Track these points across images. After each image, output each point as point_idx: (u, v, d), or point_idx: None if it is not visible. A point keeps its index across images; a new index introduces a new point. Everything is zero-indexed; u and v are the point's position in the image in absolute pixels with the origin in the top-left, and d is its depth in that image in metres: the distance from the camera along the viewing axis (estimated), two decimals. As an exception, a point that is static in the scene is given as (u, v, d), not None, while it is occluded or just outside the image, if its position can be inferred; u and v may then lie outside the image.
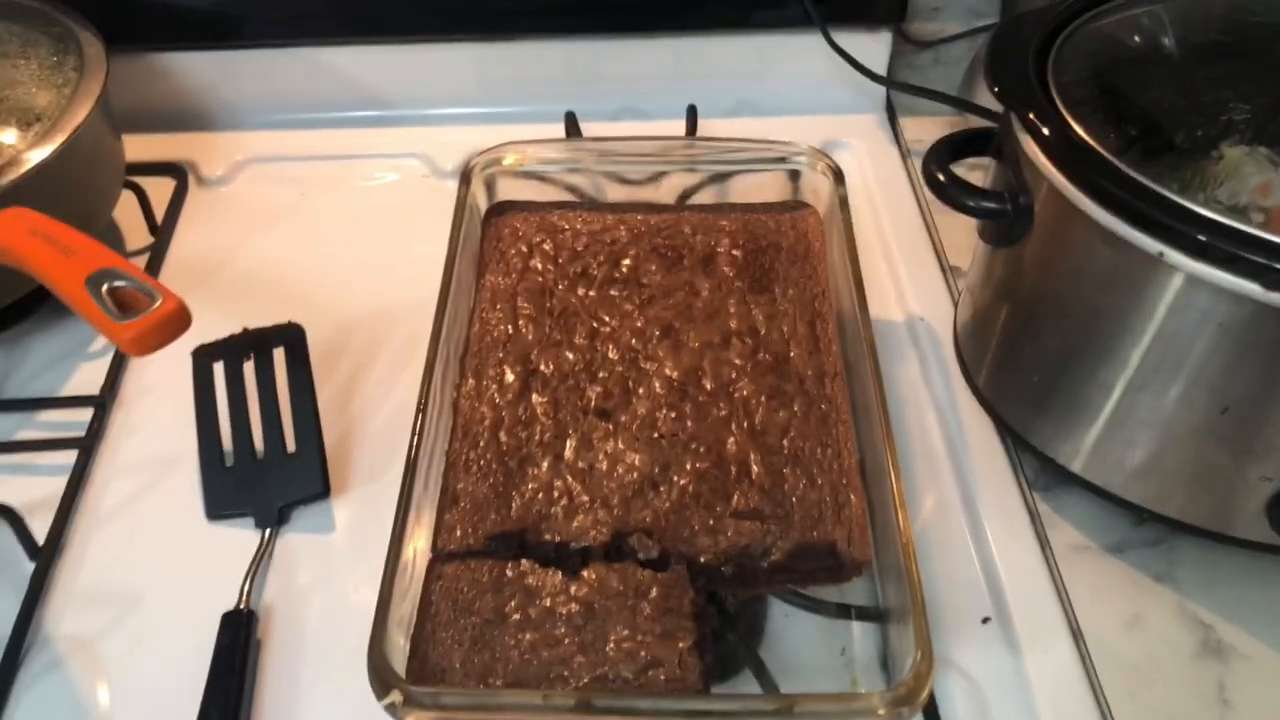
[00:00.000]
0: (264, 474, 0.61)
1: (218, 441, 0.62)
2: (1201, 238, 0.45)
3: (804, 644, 0.54)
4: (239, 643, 0.53)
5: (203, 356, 0.63)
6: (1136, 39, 0.56)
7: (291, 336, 0.63)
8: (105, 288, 0.48)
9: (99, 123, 0.70)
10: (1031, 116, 0.51)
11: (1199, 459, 0.52)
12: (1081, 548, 0.58)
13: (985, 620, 0.56)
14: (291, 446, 0.61)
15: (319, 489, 0.60)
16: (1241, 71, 0.53)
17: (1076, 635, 0.55)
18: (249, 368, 0.63)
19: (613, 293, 0.63)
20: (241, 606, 0.55)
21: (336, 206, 0.83)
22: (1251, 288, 0.44)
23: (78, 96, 0.68)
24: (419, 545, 0.51)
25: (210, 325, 0.70)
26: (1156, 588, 0.56)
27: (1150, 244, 0.46)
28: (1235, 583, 0.56)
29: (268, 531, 0.59)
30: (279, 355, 0.63)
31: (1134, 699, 0.52)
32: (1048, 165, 0.51)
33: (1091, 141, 0.50)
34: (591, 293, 0.63)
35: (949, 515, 0.61)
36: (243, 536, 0.59)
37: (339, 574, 0.58)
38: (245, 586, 0.56)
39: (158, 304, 0.47)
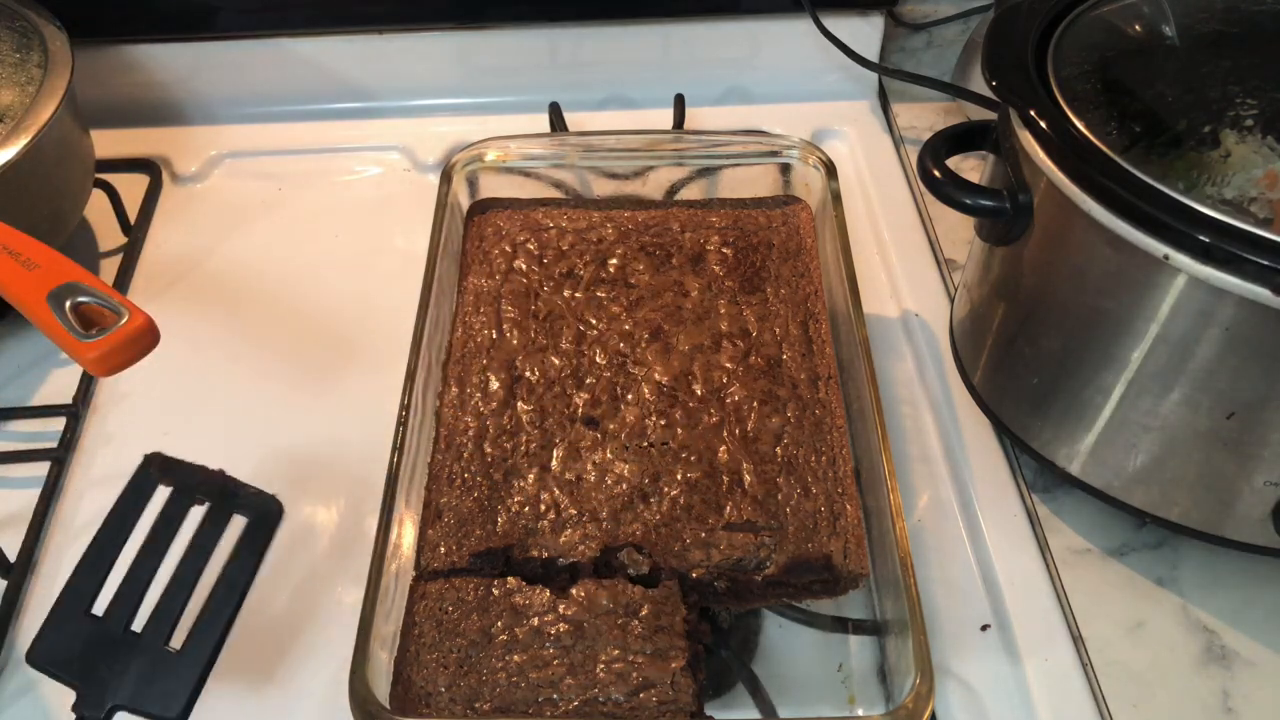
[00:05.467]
0: (124, 651, 0.45)
1: (99, 578, 0.47)
2: (1209, 240, 0.43)
3: (799, 658, 0.53)
4: None
5: (153, 470, 0.50)
6: (1138, 28, 0.54)
7: (264, 511, 0.49)
8: (69, 304, 0.46)
9: (66, 120, 0.68)
10: (1031, 112, 0.50)
11: (1203, 464, 0.51)
12: (1082, 551, 0.57)
13: (984, 628, 0.54)
14: (177, 642, 0.46)
15: (173, 714, 0.44)
16: (1247, 63, 0.51)
17: (1077, 642, 0.54)
18: (196, 514, 0.49)
19: (600, 294, 0.61)
20: None
21: (316, 202, 0.80)
22: (1261, 292, 0.43)
23: (43, 94, 0.66)
24: (401, 563, 0.50)
25: (186, 327, 0.68)
26: (1158, 592, 0.55)
27: (1155, 246, 0.45)
28: (1239, 587, 0.55)
29: None
30: (236, 524, 0.49)
31: (1137, 707, 0.51)
32: (1047, 162, 0.49)
33: (1093, 137, 0.48)
34: (578, 294, 0.61)
35: (946, 518, 0.59)
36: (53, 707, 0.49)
37: None
38: None
39: (124, 321, 0.45)
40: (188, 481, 0.49)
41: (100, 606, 0.47)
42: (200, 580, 0.47)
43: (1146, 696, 0.51)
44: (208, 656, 0.46)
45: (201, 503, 0.49)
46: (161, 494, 0.49)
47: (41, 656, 0.46)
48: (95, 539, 0.48)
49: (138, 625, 0.46)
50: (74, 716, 0.45)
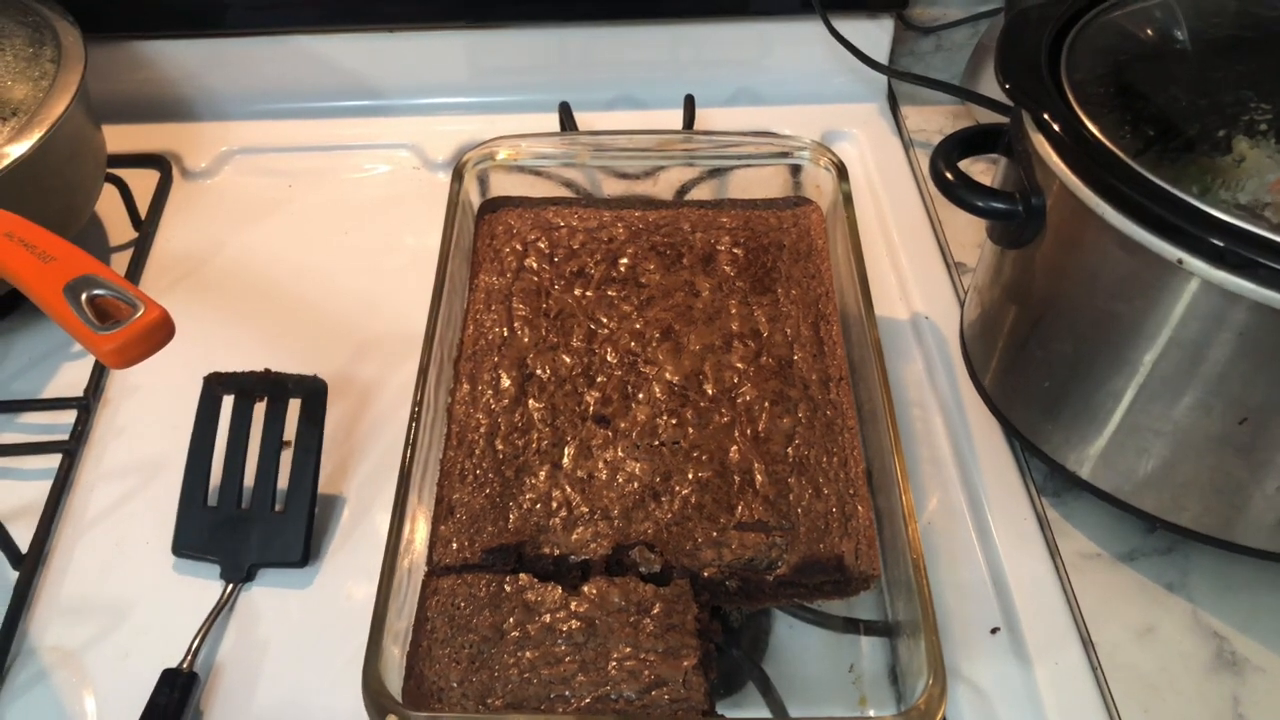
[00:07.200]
0: (243, 525, 0.57)
1: (205, 477, 0.58)
2: (1223, 245, 0.43)
3: (810, 657, 0.53)
4: (171, 707, 0.49)
5: (215, 386, 0.59)
6: (1151, 33, 0.55)
7: (312, 390, 0.58)
8: (85, 296, 0.46)
9: (78, 115, 0.68)
10: (1045, 115, 0.50)
11: (1215, 469, 0.51)
12: (1092, 555, 0.57)
13: (994, 631, 0.54)
14: (280, 505, 0.57)
15: (296, 557, 0.56)
16: (1261, 67, 0.51)
17: (1087, 646, 0.54)
18: (260, 410, 0.59)
19: (610, 293, 0.61)
20: (184, 666, 0.51)
21: (325, 199, 0.81)
22: (1274, 297, 0.43)
23: (56, 88, 0.66)
24: (414, 558, 0.50)
25: (195, 322, 0.68)
26: (1169, 597, 0.55)
27: (1169, 250, 0.45)
28: (1250, 592, 0.55)
29: (231, 586, 0.55)
30: (294, 406, 0.58)
31: (1147, 712, 0.51)
32: (1061, 166, 0.49)
33: (1107, 141, 0.48)
34: (589, 293, 0.61)
35: (956, 522, 0.59)
36: (205, 583, 0.56)
37: (301, 644, 0.54)
38: (194, 643, 0.52)
39: (140, 313, 0.45)
40: (244, 386, 0.59)
41: (213, 500, 0.58)
42: (280, 456, 0.58)
43: (1156, 701, 0.51)
44: (308, 510, 0.57)
45: (261, 399, 0.59)
46: (227, 402, 0.59)
47: (183, 546, 0.57)
48: (190, 452, 0.58)
49: (245, 504, 0.57)
50: (224, 583, 0.56)
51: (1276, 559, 0.52)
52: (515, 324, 0.59)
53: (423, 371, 0.55)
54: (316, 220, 0.79)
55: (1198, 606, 0.55)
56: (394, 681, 0.45)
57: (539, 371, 0.57)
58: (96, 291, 0.46)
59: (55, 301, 0.46)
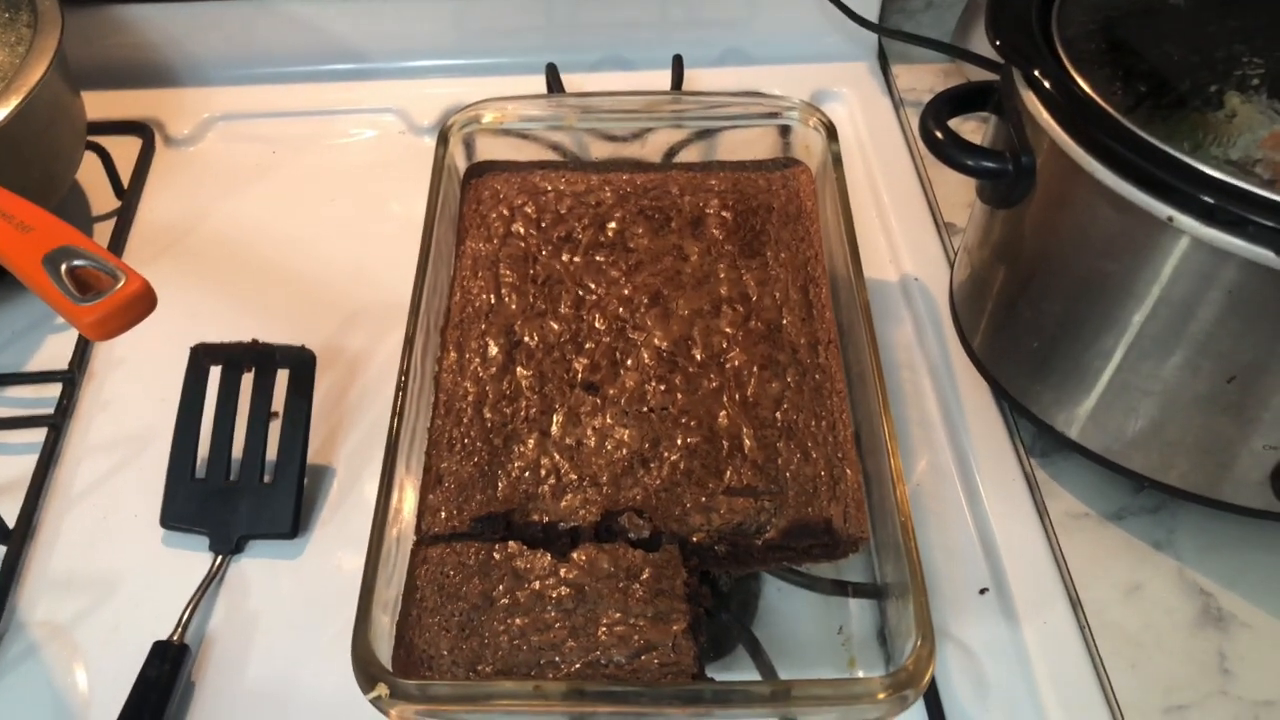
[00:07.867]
0: (232, 497, 0.56)
1: (193, 448, 0.57)
2: (1213, 202, 0.43)
3: (799, 620, 0.53)
4: (163, 679, 0.50)
5: (202, 357, 0.58)
6: (1144, -13, 0.54)
7: (299, 360, 0.58)
8: (64, 267, 0.45)
9: (57, 81, 0.67)
10: (1035, 72, 0.49)
11: (1202, 427, 0.51)
12: (1080, 515, 0.57)
13: (982, 591, 0.55)
14: (269, 477, 0.57)
15: (286, 529, 0.56)
16: (1254, 23, 0.50)
17: (1075, 605, 0.54)
18: (247, 380, 0.58)
19: (598, 258, 0.60)
20: (175, 638, 0.51)
21: (310, 165, 0.80)
22: (1264, 254, 0.43)
23: (33, 54, 0.65)
24: (402, 528, 0.50)
25: (181, 292, 0.68)
26: (1156, 556, 0.56)
27: (1159, 208, 0.45)
28: (1236, 550, 0.55)
29: (220, 558, 0.55)
30: (282, 377, 0.58)
31: (1134, 669, 0.51)
32: (1051, 123, 0.49)
33: (1098, 98, 0.48)
34: (576, 258, 0.61)
35: (944, 483, 0.59)
36: (194, 556, 0.56)
37: (292, 615, 0.54)
38: (184, 615, 0.52)
39: (121, 284, 0.45)
40: (231, 357, 0.58)
41: (201, 472, 0.57)
42: (269, 427, 0.58)
43: (1144, 658, 0.52)
44: (296, 482, 0.57)
45: (248, 369, 0.58)
46: (215, 374, 0.58)
47: (171, 518, 0.57)
48: (177, 424, 0.58)
49: (234, 476, 0.57)
50: (213, 555, 0.56)
51: (1263, 516, 0.53)
52: (502, 291, 0.59)
53: (409, 340, 0.55)
54: (301, 187, 0.78)
55: (1184, 564, 0.55)
56: (384, 650, 0.45)
57: (527, 339, 0.57)
58: (76, 262, 0.46)
59: (34, 273, 0.45)
